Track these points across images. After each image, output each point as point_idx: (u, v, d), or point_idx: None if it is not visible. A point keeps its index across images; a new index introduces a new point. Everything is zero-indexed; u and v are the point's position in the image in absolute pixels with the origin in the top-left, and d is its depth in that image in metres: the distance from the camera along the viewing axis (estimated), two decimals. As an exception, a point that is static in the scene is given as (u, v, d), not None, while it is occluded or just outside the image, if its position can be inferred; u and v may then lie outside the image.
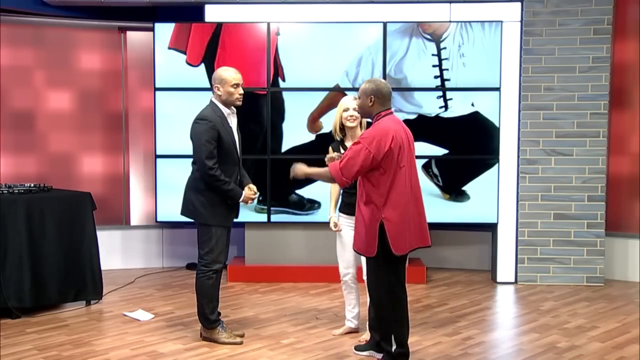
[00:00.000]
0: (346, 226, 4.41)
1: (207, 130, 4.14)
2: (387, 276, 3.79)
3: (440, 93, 6.09)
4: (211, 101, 4.28)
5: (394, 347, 3.85)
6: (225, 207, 4.27)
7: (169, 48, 6.14)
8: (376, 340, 4.02)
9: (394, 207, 3.70)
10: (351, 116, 4.35)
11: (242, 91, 4.27)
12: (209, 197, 4.22)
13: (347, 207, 4.38)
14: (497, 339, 4.65)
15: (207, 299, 4.31)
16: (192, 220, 4.37)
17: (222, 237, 4.29)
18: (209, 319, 4.35)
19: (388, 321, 3.85)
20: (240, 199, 4.26)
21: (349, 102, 4.38)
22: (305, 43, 6.12)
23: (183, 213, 4.37)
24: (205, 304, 4.31)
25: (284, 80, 6.13)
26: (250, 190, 4.30)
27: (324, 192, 5.21)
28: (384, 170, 3.69)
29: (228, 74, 4.24)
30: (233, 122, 4.31)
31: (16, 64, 6.41)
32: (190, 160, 4.30)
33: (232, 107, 4.29)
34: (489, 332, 4.81)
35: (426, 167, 6.14)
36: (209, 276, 4.28)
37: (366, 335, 4.41)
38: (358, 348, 4.20)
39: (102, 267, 5.43)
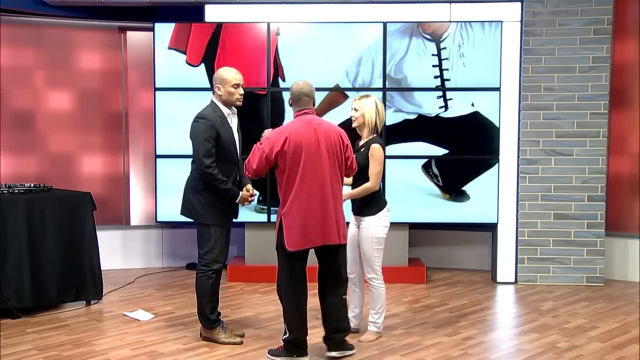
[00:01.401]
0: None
1: (205, 129, 4.15)
2: (281, 269, 4.03)
3: (440, 93, 6.10)
4: (212, 101, 4.29)
5: (285, 335, 4.01)
6: (224, 206, 4.27)
7: (169, 48, 6.14)
8: (326, 336, 4.09)
9: (291, 204, 3.86)
10: (352, 116, 4.37)
11: (242, 91, 4.28)
12: (208, 197, 4.22)
13: None
14: (497, 339, 4.65)
15: (207, 298, 4.31)
16: (191, 220, 4.38)
17: (222, 236, 4.29)
18: (209, 319, 4.35)
19: (285, 310, 4.02)
20: (237, 200, 4.26)
21: (354, 102, 4.39)
22: (305, 43, 6.12)
23: (182, 213, 4.37)
24: (205, 304, 4.31)
25: (284, 80, 6.13)
26: (246, 192, 4.31)
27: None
28: (282, 170, 3.89)
29: (229, 74, 4.25)
30: (233, 122, 4.32)
31: (16, 64, 6.41)
32: (190, 160, 4.30)
33: (233, 108, 4.30)
34: (489, 332, 4.81)
35: (426, 167, 6.15)
36: (209, 276, 4.28)
37: (367, 335, 4.42)
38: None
39: (102, 267, 5.43)
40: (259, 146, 3.88)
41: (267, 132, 4.12)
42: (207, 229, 4.25)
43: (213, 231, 4.25)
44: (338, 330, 4.04)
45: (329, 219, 3.89)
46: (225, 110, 4.26)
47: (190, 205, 4.29)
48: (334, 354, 4.03)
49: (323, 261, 4.04)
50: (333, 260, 4.02)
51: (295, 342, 3.97)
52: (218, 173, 4.15)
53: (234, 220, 4.43)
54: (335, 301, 4.03)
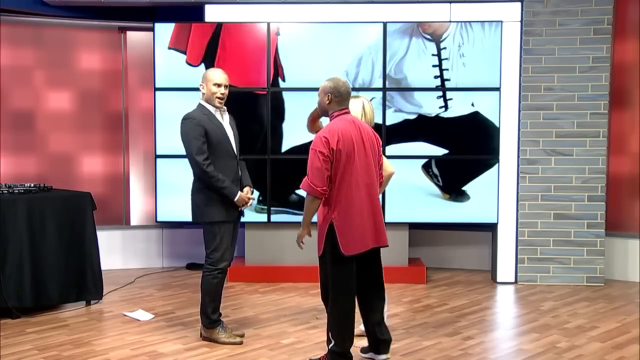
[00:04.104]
0: None
1: (192, 128, 4.20)
2: (334, 275, 3.77)
3: (440, 93, 6.10)
4: (199, 102, 4.36)
5: (330, 344, 3.82)
6: (225, 202, 4.27)
7: (169, 48, 6.14)
8: (372, 342, 4.01)
9: (342, 207, 3.69)
10: None
11: (223, 91, 4.30)
12: (209, 194, 4.24)
13: None
14: (497, 339, 4.65)
15: (210, 297, 4.32)
16: (192, 221, 4.38)
17: (227, 234, 4.30)
18: (210, 318, 4.35)
19: (334, 319, 3.81)
20: (235, 199, 4.26)
21: None
22: (305, 43, 6.12)
23: (193, 219, 4.39)
24: (208, 303, 4.32)
25: (284, 80, 6.13)
26: (245, 194, 4.31)
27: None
28: (332, 171, 3.70)
29: (212, 73, 4.32)
30: (224, 117, 4.36)
31: (16, 64, 6.41)
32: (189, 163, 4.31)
33: (222, 106, 4.33)
34: (489, 332, 4.81)
35: (426, 167, 6.15)
36: (215, 275, 4.29)
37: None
38: (363, 350, 4.17)
39: (102, 267, 5.43)
40: (310, 154, 3.68)
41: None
42: (212, 227, 4.26)
43: (218, 229, 4.25)
44: (385, 343, 3.99)
45: (378, 221, 3.79)
46: (211, 108, 4.30)
47: (196, 206, 4.32)
48: (383, 356, 4.00)
49: (363, 269, 3.86)
50: (374, 265, 3.90)
51: (344, 353, 3.80)
52: (213, 170, 4.17)
53: (241, 219, 4.43)
54: (379, 315, 3.94)
